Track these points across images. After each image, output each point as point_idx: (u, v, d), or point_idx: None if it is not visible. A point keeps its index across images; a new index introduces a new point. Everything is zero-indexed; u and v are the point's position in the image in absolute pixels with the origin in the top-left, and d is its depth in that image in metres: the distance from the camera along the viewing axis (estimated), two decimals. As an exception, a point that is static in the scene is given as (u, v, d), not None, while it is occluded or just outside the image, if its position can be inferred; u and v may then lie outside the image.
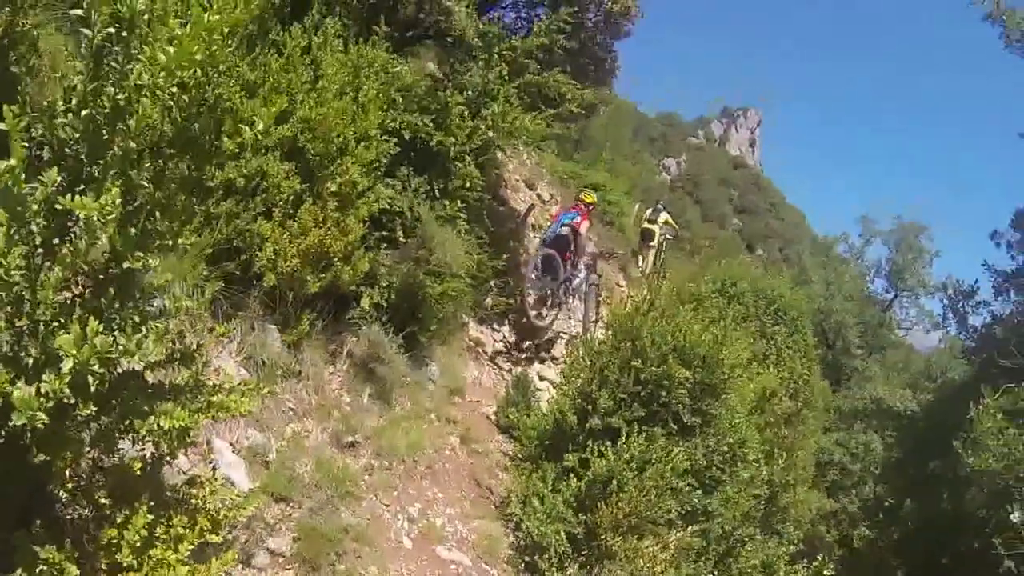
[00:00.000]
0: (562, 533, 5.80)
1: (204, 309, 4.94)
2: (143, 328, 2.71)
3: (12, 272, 2.31)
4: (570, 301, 11.35)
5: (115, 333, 2.55)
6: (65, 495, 3.16)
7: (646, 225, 17.24)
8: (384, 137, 6.40)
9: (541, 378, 9.82)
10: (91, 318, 2.40)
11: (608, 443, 5.87)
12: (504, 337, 10.30)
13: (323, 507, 5.26)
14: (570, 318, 11.89)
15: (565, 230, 10.79)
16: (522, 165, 15.07)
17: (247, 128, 3.13)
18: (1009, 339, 12.06)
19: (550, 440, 6.71)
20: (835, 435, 22.98)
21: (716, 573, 4.70)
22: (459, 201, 7.38)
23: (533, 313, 10.19)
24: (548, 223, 13.22)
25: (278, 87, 5.57)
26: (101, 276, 2.83)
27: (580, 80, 9.60)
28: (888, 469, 18.58)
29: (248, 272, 5.54)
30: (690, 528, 5.83)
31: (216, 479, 3.49)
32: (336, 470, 5.56)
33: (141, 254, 2.72)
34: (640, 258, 16.94)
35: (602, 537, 5.60)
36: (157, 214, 2.85)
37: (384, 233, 6.87)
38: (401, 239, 6.96)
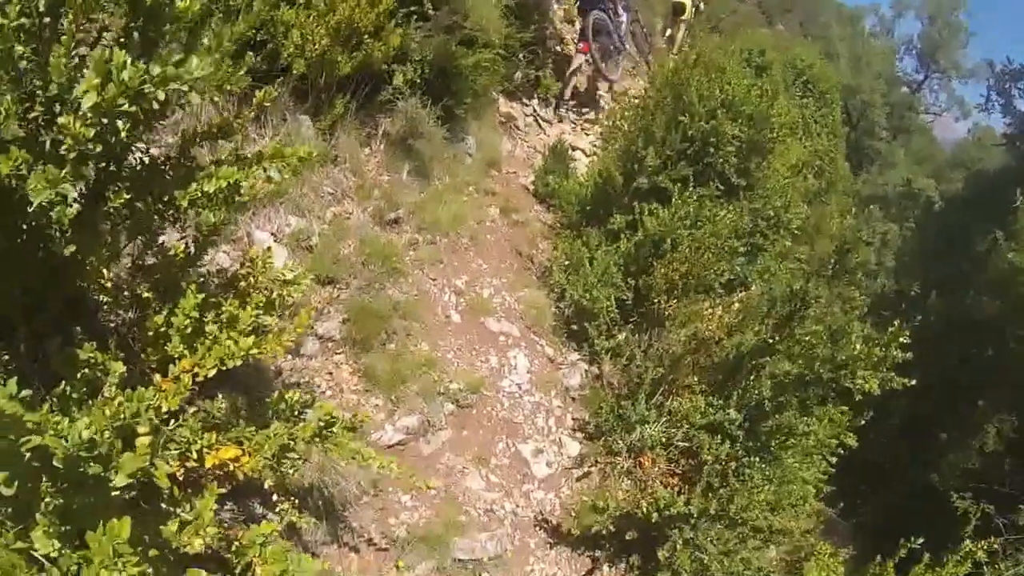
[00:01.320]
0: (612, 298, 5.67)
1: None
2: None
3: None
4: (627, 46, 11.26)
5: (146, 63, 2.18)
6: (105, 298, 2.89)
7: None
8: None
9: (573, 148, 9.49)
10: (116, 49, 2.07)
11: (656, 204, 5.61)
12: (534, 110, 9.86)
13: (370, 285, 5.18)
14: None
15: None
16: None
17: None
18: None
19: (591, 206, 6.47)
20: (852, 220, 22.61)
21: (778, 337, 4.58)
22: None
23: (604, 68, 10.29)
24: None
25: None
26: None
27: None
28: (907, 260, 18.19)
29: (275, 65, 5.05)
30: (753, 288, 5.70)
31: (269, 253, 3.19)
32: (381, 247, 5.41)
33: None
34: (668, 33, 15.88)
35: (656, 300, 5.44)
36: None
37: (412, 8, 6.28)
38: (431, 10, 6.37)
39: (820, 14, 64.73)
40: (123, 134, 2.23)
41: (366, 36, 5.34)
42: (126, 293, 2.94)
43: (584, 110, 10.56)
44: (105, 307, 3.02)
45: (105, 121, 2.11)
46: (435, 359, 5.14)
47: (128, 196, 2.44)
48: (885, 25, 27.22)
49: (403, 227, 6.01)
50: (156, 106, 2.25)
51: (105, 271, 2.73)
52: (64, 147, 2.07)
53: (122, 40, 2.45)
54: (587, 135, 9.69)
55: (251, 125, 5.07)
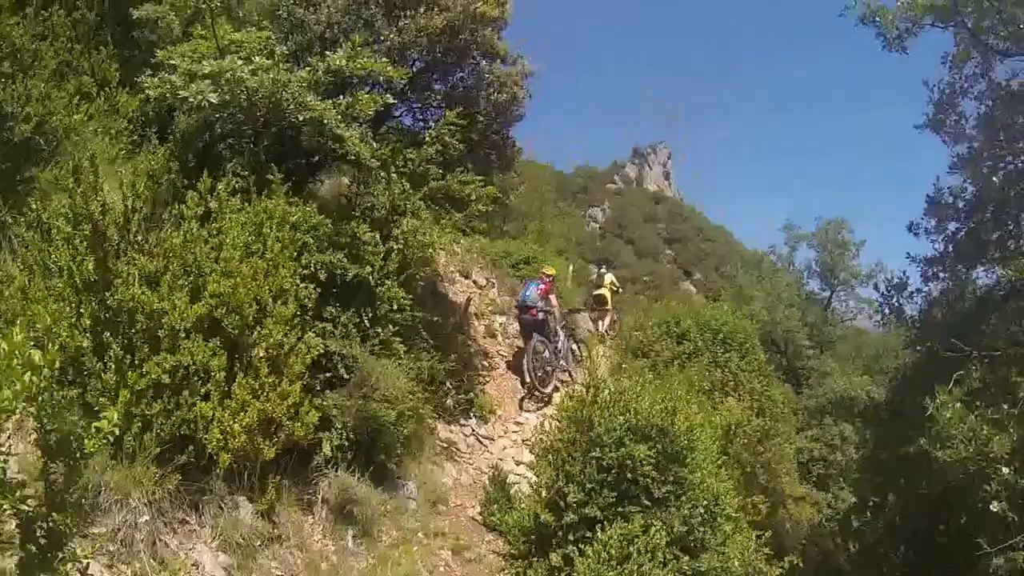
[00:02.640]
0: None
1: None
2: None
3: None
4: (561, 363, 12.14)
5: None
6: None
7: (596, 292, 17.20)
8: (302, 284, 6.17)
9: (517, 463, 9.57)
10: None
11: (588, 533, 5.60)
12: (473, 431, 10.05)
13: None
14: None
15: (535, 313, 11.50)
16: (453, 256, 14.96)
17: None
18: (948, 323, 12.06)
19: (535, 535, 6.43)
20: (809, 432, 23.07)
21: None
22: (391, 325, 7.19)
23: (541, 390, 11.36)
24: (489, 307, 13.38)
25: (186, 267, 5.36)
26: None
27: (485, 170, 9.64)
28: (864, 462, 18.51)
29: (203, 457, 5.20)
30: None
31: None
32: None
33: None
34: (594, 324, 16.78)
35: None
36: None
37: (328, 375, 6.64)
38: (345, 376, 6.72)
39: (728, 258, 69.75)
40: None
41: (285, 420, 5.53)
42: None
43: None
44: None
45: None
46: None
47: None
48: (784, 260, 29.24)
49: (358, 602, 5.87)
50: None
51: None
52: None
53: None
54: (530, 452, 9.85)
55: (189, 514, 5.12)
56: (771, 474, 12.77)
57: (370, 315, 7.00)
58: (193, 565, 4.82)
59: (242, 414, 5.09)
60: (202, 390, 5.12)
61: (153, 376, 4.73)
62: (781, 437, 14.24)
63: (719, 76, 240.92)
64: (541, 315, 11.54)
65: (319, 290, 6.45)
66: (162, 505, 4.86)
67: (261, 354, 5.36)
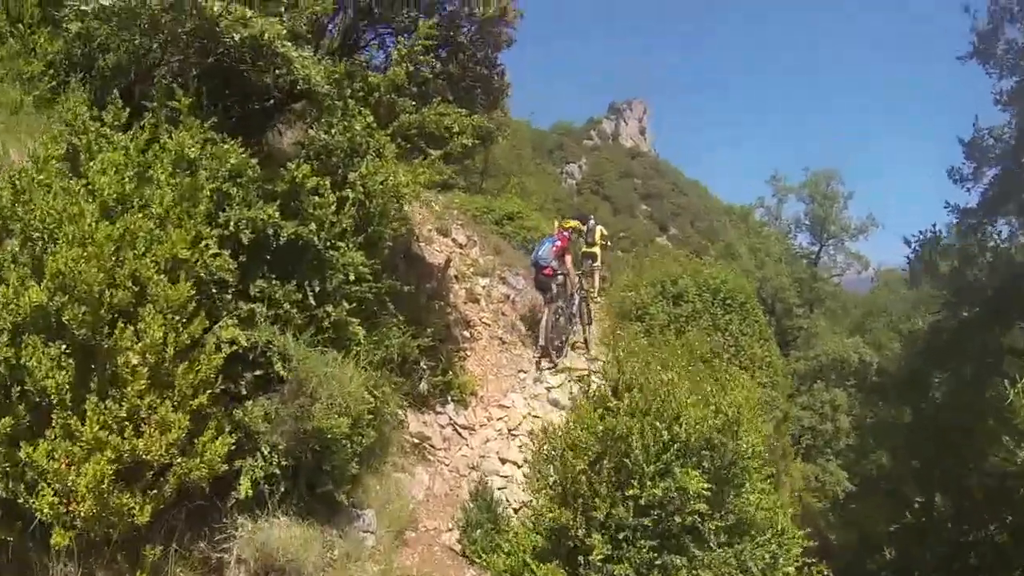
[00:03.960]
0: None
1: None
2: None
3: None
4: (574, 327, 11.09)
5: None
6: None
7: (585, 249, 15.29)
8: (212, 252, 4.24)
9: (503, 461, 7.83)
10: None
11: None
12: (451, 419, 8.24)
13: None
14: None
15: (549, 272, 10.28)
16: (430, 212, 12.98)
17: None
18: (989, 285, 10.37)
19: (535, 585, 4.62)
20: (800, 399, 22.02)
21: None
22: (346, 301, 5.23)
23: (556, 359, 10.23)
24: (470, 267, 11.78)
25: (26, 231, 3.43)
26: None
27: (468, 107, 7.52)
28: (871, 434, 17.02)
29: (30, 529, 3.31)
30: None
31: None
32: None
33: None
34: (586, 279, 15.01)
35: None
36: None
37: (256, 374, 4.74)
38: (283, 374, 4.78)
39: (707, 213, 68.45)
40: None
41: (175, 458, 3.65)
42: None
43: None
44: None
45: None
46: None
47: None
48: (773, 213, 27.73)
49: None
50: None
51: None
52: None
53: None
54: (518, 447, 8.06)
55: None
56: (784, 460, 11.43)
57: (317, 289, 5.06)
58: None
59: (90, 462, 3.16)
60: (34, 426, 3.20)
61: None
62: (781, 411, 12.95)
63: (704, 37, 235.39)
64: (559, 276, 10.36)
65: (243, 259, 4.54)
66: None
67: (133, 362, 3.40)
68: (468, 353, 9.66)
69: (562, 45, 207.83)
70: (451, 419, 8.22)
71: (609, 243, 16.86)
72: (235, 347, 4.19)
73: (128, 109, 4.65)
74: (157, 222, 3.82)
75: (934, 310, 14.18)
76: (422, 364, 7.87)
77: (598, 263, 14.92)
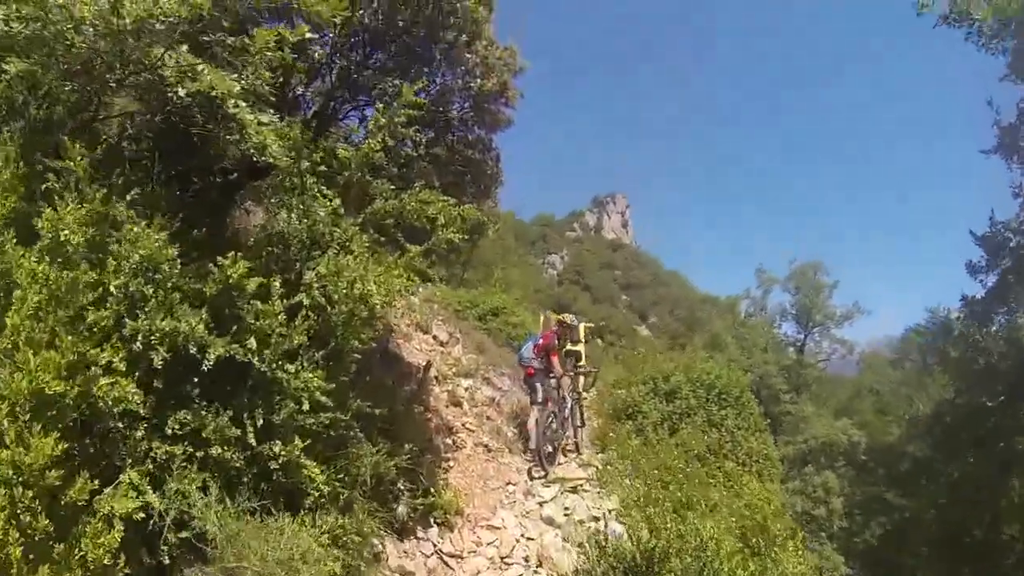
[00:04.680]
0: None
1: None
2: None
3: None
4: (566, 431, 10.33)
5: None
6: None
7: (570, 347, 14.33)
8: (106, 379, 3.20)
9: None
10: None
11: None
12: (435, 547, 7.12)
13: None
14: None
15: (532, 372, 9.62)
16: (409, 308, 12.09)
17: None
18: (1000, 372, 9.72)
19: None
20: (790, 484, 21.36)
21: None
22: (299, 437, 4.16)
23: (548, 468, 9.27)
24: (452, 368, 10.99)
25: None
26: None
27: (455, 196, 6.49)
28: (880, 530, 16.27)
29: None
30: None
31: None
32: None
33: None
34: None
35: None
36: None
37: (183, 536, 3.64)
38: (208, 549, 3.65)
39: (686, 302, 68.27)
40: None
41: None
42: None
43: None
44: None
45: None
46: None
47: None
48: (758, 303, 27.61)
49: None
50: None
51: None
52: None
53: None
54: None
55: None
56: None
57: (261, 422, 3.98)
58: None
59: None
60: None
61: None
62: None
63: (681, 136, 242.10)
64: (551, 379, 9.79)
65: (158, 384, 3.53)
66: None
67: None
68: (451, 464, 8.61)
69: (543, 134, 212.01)
70: (435, 546, 7.10)
71: (592, 336, 16.00)
72: (135, 513, 3.10)
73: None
74: (9, 340, 2.81)
75: (931, 392, 14.00)
76: (399, 486, 6.82)
77: (583, 362, 13.97)
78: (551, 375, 9.71)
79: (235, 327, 3.87)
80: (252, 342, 3.88)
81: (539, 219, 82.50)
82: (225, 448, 3.68)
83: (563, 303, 28.94)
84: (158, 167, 4.43)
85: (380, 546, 6.32)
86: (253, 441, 3.84)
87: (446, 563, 7.01)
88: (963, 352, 10.88)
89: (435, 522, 7.34)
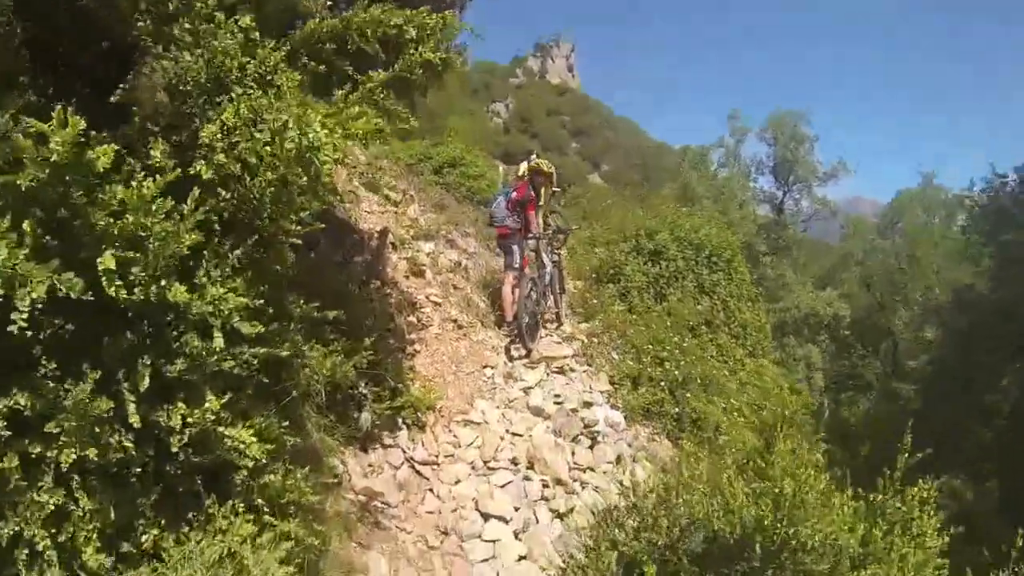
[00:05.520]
0: None
1: None
2: None
3: None
4: (548, 299, 9.02)
5: None
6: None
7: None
8: None
9: (484, 516, 5.55)
10: None
11: None
12: (405, 455, 5.85)
13: None
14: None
15: (506, 231, 8.33)
16: (354, 164, 10.25)
17: None
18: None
19: None
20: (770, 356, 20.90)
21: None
22: (210, 391, 2.63)
23: (529, 345, 8.04)
24: (408, 228, 9.33)
25: None
26: None
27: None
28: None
29: None
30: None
31: None
32: None
33: None
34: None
35: None
36: None
37: None
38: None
39: (636, 149, 66.45)
40: None
41: None
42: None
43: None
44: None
45: None
46: None
47: None
48: (731, 153, 25.33)
49: None
50: None
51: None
52: None
53: None
54: (500, 487, 5.78)
55: None
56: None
57: (147, 381, 2.38)
58: None
59: None
60: None
61: None
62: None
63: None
64: (530, 240, 8.53)
65: None
66: None
67: None
68: (417, 348, 7.25)
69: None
70: (405, 453, 5.85)
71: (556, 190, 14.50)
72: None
73: None
74: None
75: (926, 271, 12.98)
76: (359, 389, 5.44)
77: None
78: (529, 235, 8.33)
79: (85, 237, 2.22)
80: (107, 257, 2.26)
81: (480, 66, 78.31)
82: (89, 441, 2.13)
83: (512, 152, 26.87)
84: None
85: (341, 466, 5.04)
86: (136, 419, 2.30)
87: (419, 473, 5.81)
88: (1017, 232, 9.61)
89: (404, 423, 6.06)
